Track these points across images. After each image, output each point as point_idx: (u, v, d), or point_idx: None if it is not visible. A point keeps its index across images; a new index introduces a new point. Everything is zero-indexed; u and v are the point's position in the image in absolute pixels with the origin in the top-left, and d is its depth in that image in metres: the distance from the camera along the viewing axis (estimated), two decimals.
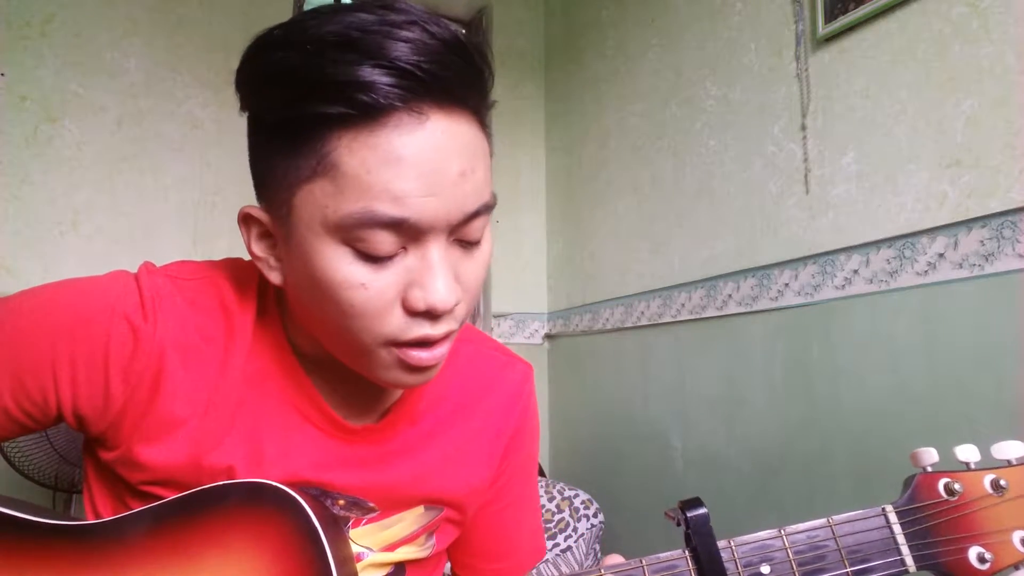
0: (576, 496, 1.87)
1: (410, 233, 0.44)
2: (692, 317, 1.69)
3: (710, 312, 1.63)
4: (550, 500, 1.84)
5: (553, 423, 2.32)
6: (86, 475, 0.57)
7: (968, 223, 1.09)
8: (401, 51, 0.41)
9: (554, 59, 2.53)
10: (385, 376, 0.50)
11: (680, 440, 1.71)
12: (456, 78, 0.44)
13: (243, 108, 0.48)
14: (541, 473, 2.14)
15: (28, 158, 1.78)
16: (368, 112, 0.42)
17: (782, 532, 0.50)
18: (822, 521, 0.50)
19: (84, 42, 1.87)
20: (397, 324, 0.46)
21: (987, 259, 1.05)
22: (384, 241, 0.44)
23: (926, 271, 1.14)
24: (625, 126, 2.04)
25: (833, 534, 0.50)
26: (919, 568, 0.51)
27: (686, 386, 1.70)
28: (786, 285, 1.42)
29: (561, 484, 1.92)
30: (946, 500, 0.51)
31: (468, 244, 0.48)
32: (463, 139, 0.45)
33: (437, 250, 0.46)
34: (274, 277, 0.50)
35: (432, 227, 0.44)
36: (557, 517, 1.80)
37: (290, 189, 0.45)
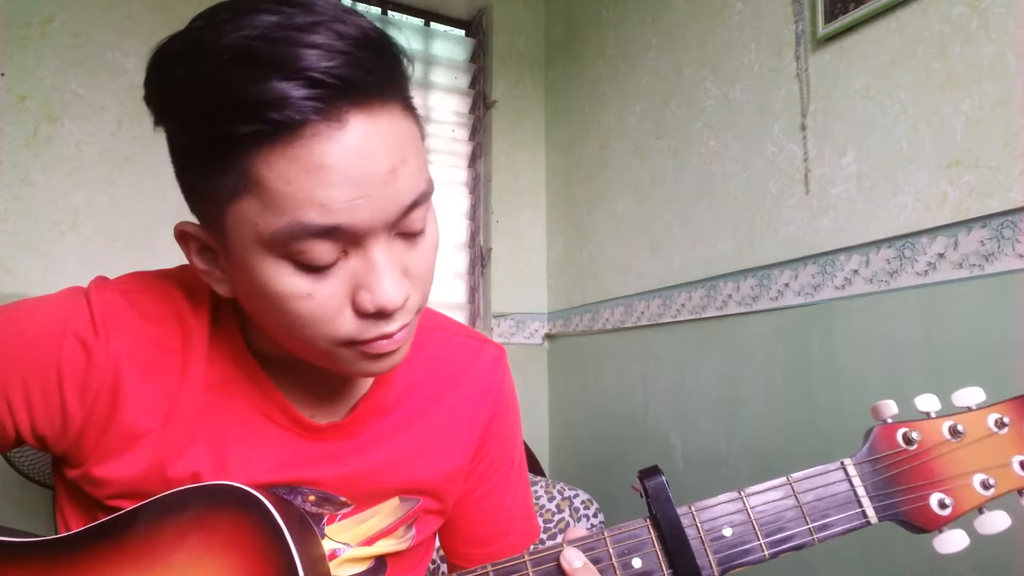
0: (576, 496, 1.87)
1: (347, 238, 0.43)
2: (692, 317, 1.69)
3: (710, 312, 1.63)
4: (550, 500, 1.84)
5: (553, 423, 2.32)
6: (56, 493, 0.57)
7: (968, 223, 1.09)
8: (310, 59, 0.39)
9: (554, 59, 2.53)
10: (351, 368, 0.49)
11: (680, 440, 1.71)
12: (370, 75, 0.41)
13: (156, 125, 0.46)
14: (541, 473, 2.14)
15: (28, 158, 1.78)
16: (282, 127, 0.39)
17: (742, 493, 0.50)
18: (781, 480, 0.50)
19: (84, 42, 1.87)
20: (351, 327, 0.46)
21: (987, 259, 1.05)
22: (321, 250, 0.42)
23: (926, 271, 1.14)
24: (625, 126, 2.04)
25: (793, 491, 0.50)
26: (881, 519, 0.50)
27: (686, 386, 1.70)
28: (786, 285, 1.42)
29: (561, 484, 1.92)
30: (904, 450, 0.51)
31: (411, 235, 0.47)
32: (388, 134, 0.43)
33: (379, 250, 0.44)
34: (222, 289, 0.49)
35: (369, 229, 0.43)
36: (557, 517, 1.80)
37: (219, 208, 0.44)
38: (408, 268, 0.47)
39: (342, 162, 0.41)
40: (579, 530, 0.51)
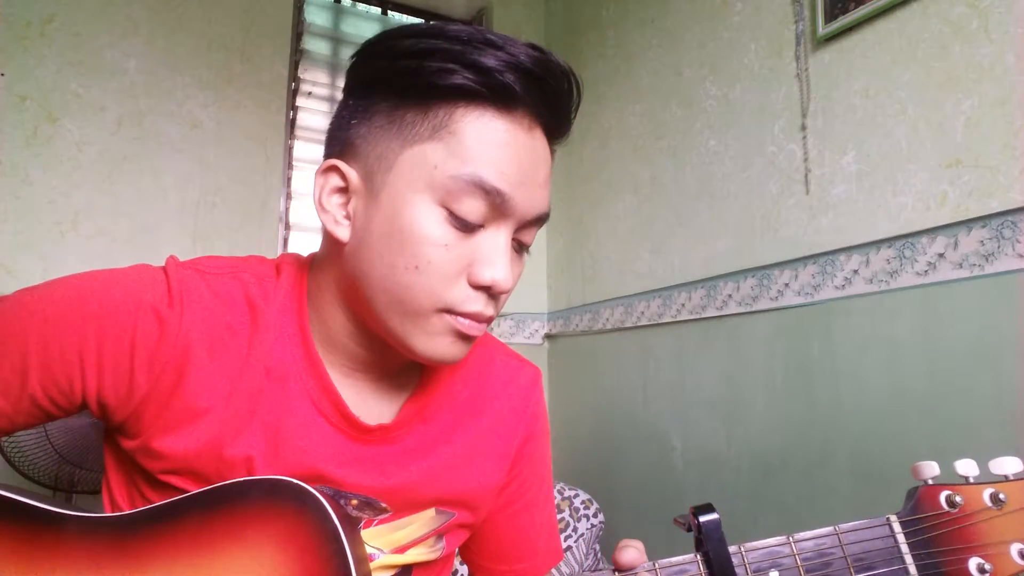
0: (576, 496, 1.87)
1: (498, 211, 0.50)
2: (692, 317, 1.69)
3: (710, 312, 1.63)
4: None
5: (553, 423, 2.31)
6: (105, 465, 0.58)
7: (968, 223, 1.09)
8: (535, 64, 0.49)
9: None
10: (427, 344, 0.52)
11: (680, 440, 1.71)
12: (563, 105, 0.53)
13: (364, 77, 0.53)
14: None
15: (28, 158, 1.78)
16: (499, 98, 0.49)
17: (790, 539, 0.52)
18: (829, 529, 0.52)
19: (84, 42, 1.87)
20: (458, 293, 0.51)
21: (987, 259, 1.05)
22: (476, 210, 0.50)
23: (926, 271, 1.14)
24: (625, 126, 2.04)
25: (840, 542, 0.52)
26: None
27: (686, 386, 1.70)
28: (786, 285, 1.42)
29: (561, 484, 1.92)
30: (948, 512, 0.53)
31: (520, 247, 0.55)
32: (548, 157, 0.54)
33: (507, 236, 0.52)
34: (341, 232, 0.53)
35: (514, 212, 0.51)
36: (557, 517, 1.80)
37: (400, 148, 0.50)
38: None
39: (522, 152, 0.51)
40: (631, 551, 0.51)
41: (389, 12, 2.43)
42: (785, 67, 1.45)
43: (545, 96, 0.51)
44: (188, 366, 0.52)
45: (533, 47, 0.49)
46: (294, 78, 2.18)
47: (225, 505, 0.49)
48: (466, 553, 0.72)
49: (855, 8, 1.27)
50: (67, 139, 1.83)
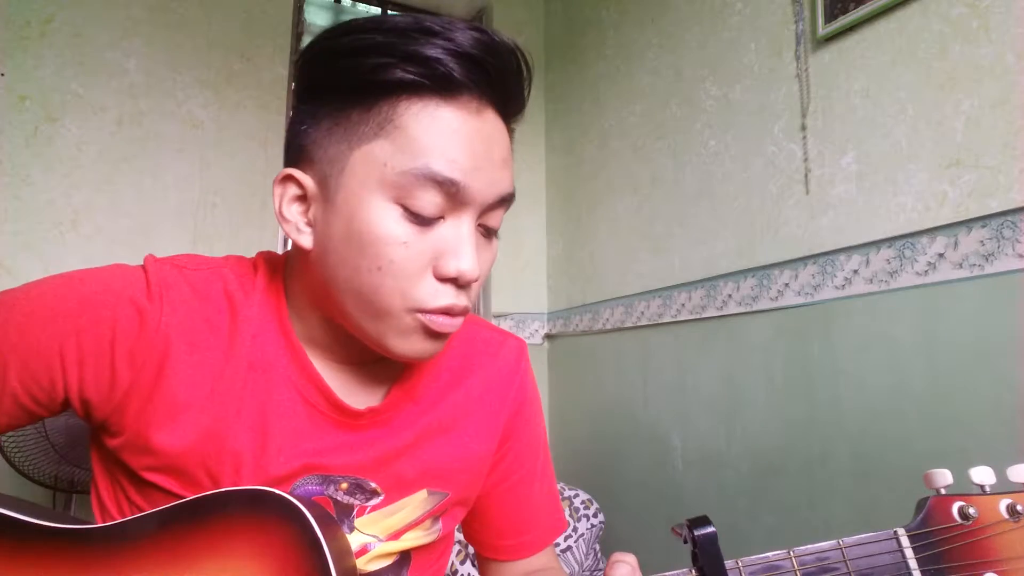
0: (576, 496, 1.87)
1: (454, 200, 0.49)
2: (692, 317, 1.69)
3: (710, 312, 1.63)
4: None
5: (553, 423, 2.32)
6: (92, 467, 0.58)
7: (968, 223, 1.09)
8: (477, 46, 0.48)
9: (554, 59, 2.53)
10: (401, 344, 0.52)
11: (680, 440, 1.71)
12: (512, 83, 0.52)
13: (308, 81, 0.53)
14: None
15: (28, 158, 1.78)
16: (441, 86, 0.48)
17: (791, 553, 0.49)
18: (833, 543, 0.49)
19: (84, 42, 1.87)
20: (426, 289, 0.50)
21: (987, 259, 1.05)
22: (431, 203, 0.48)
23: (926, 271, 1.14)
24: (625, 126, 2.04)
25: (844, 557, 0.49)
26: None
27: (686, 386, 1.70)
28: (786, 285, 1.42)
29: (561, 484, 1.92)
30: (960, 524, 0.50)
31: (487, 232, 0.53)
32: (504, 136, 0.53)
33: (470, 225, 0.50)
34: (304, 240, 0.53)
35: (473, 199, 0.50)
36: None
37: (349, 149, 0.50)
38: (478, 259, 0.52)
39: (473, 136, 0.49)
40: (623, 569, 0.49)
41: (389, 12, 2.43)
42: (785, 67, 1.45)
43: (490, 77, 0.50)
44: (168, 359, 0.52)
45: (475, 28, 0.49)
46: (294, 78, 2.17)
47: (206, 517, 0.49)
48: (469, 532, 0.72)
49: (855, 8, 1.27)
50: (67, 139, 1.83)
